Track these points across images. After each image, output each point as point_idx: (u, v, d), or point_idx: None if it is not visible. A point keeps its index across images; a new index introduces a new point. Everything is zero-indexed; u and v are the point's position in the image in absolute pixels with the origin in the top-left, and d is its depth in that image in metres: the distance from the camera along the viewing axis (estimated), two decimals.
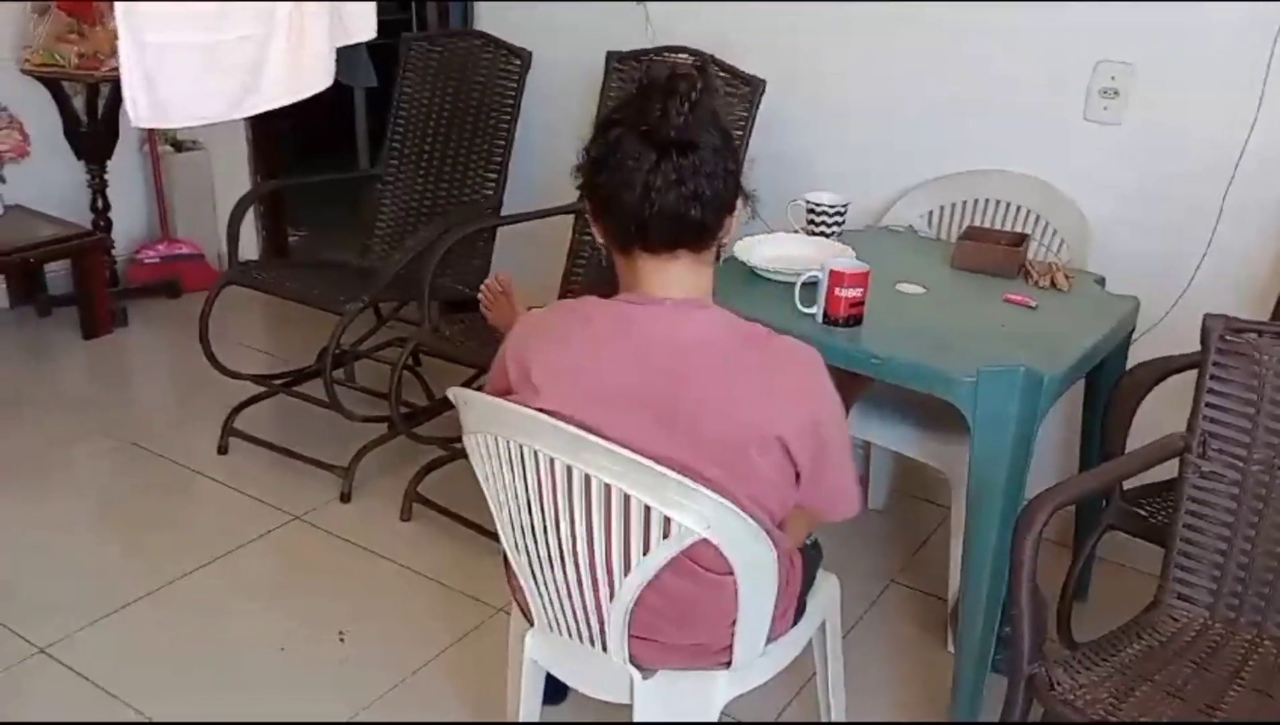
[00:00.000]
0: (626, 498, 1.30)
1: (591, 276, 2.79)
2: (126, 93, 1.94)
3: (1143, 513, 1.99)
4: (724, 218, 1.37)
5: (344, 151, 5.16)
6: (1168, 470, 1.79)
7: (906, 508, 2.75)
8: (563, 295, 2.85)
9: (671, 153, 1.29)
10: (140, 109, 1.96)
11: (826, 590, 1.70)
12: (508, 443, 1.37)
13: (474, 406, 1.42)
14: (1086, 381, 2.14)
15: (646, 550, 1.33)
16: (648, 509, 1.30)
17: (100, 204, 3.67)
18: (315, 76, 2.17)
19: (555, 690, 1.76)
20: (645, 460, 1.27)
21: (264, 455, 2.83)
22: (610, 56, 2.84)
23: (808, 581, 1.63)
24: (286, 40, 2.07)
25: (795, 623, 1.59)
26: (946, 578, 2.19)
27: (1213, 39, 2.26)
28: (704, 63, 1.34)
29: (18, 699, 2.00)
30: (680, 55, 2.72)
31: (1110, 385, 2.09)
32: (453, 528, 2.53)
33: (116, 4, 1.86)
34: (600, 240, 1.43)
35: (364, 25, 2.33)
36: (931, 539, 2.61)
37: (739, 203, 1.39)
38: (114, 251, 3.78)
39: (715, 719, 1.51)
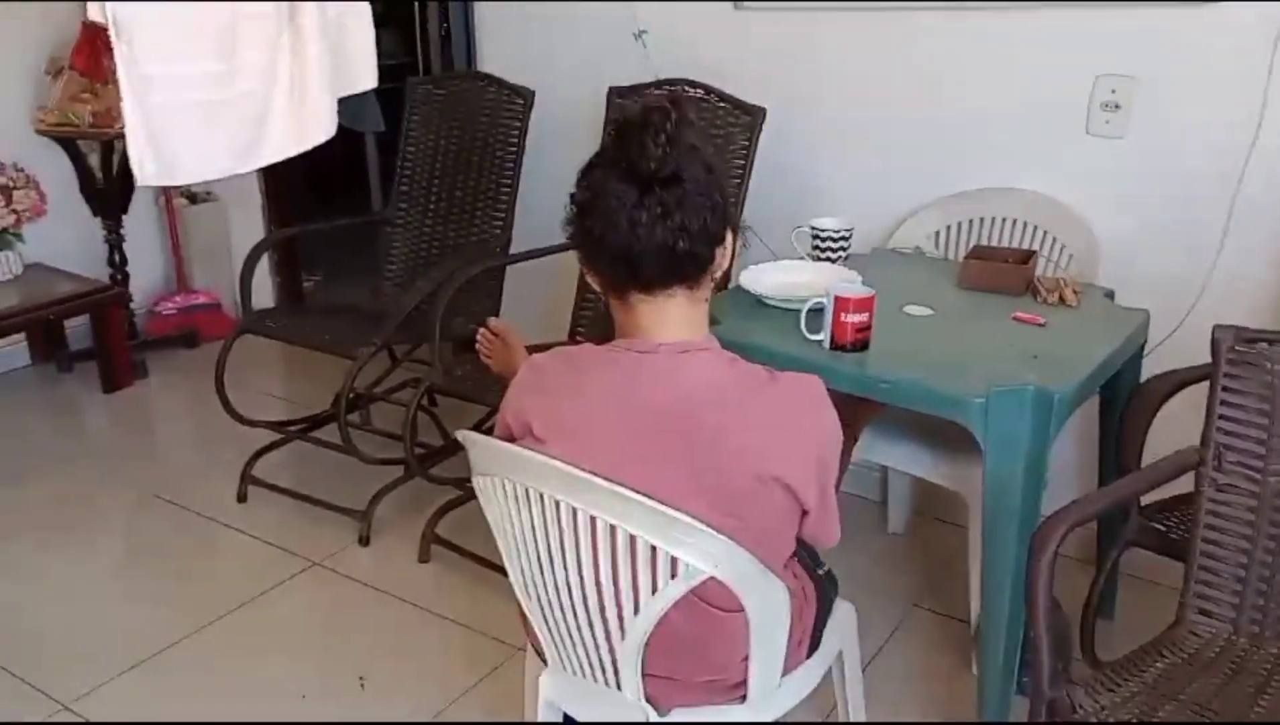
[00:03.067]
0: (632, 538, 1.30)
1: (600, 312, 2.80)
2: (133, 153, 1.98)
3: (1161, 528, 1.97)
4: (714, 250, 1.36)
5: (357, 195, 5.22)
6: (1186, 483, 1.77)
7: (926, 530, 2.73)
8: (573, 331, 2.85)
9: (654, 187, 1.29)
10: (146, 168, 1.99)
11: (842, 619, 1.69)
12: (514, 484, 1.38)
13: (480, 449, 1.42)
14: (1101, 396, 2.12)
15: (655, 590, 1.33)
16: (654, 549, 1.30)
17: (118, 258, 3.72)
18: (319, 127, 2.20)
19: None
20: (649, 500, 1.26)
21: (283, 502, 2.85)
22: (612, 92, 2.86)
23: (823, 612, 1.62)
24: (289, 94, 2.11)
25: (811, 653, 1.58)
26: (968, 600, 2.17)
27: (1212, 47, 2.25)
28: (677, 95, 1.32)
29: None
30: (681, 87, 2.74)
31: (1124, 400, 2.07)
32: (471, 568, 2.53)
33: (119, 66, 1.89)
34: (597, 287, 1.43)
35: (366, 74, 2.36)
36: (952, 561, 2.59)
37: (728, 235, 1.38)
38: (132, 304, 3.83)
39: None
